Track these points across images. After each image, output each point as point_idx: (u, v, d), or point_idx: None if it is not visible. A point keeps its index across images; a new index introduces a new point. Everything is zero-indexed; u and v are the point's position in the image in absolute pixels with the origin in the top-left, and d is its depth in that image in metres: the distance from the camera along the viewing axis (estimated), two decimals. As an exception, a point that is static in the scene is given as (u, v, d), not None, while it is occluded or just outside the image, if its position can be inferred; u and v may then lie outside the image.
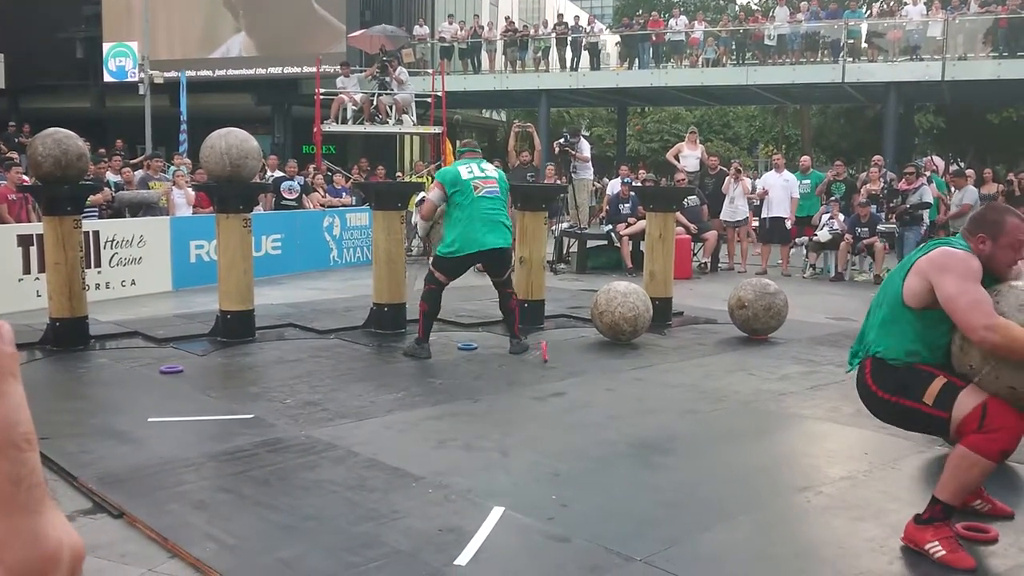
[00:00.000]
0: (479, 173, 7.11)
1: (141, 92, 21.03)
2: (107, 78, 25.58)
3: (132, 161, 14.94)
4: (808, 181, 14.12)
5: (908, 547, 3.58)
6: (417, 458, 4.59)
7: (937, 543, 3.46)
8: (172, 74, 21.42)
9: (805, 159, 15.24)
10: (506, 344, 7.38)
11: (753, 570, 3.47)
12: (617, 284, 7.79)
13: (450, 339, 7.76)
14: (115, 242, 10.04)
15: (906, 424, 3.73)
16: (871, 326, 3.73)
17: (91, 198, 9.23)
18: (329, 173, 15.72)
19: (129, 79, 24.17)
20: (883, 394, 3.62)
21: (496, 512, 3.84)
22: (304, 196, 13.76)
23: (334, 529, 3.69)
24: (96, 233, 9.79)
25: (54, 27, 26.39)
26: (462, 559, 3.41)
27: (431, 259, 7.34)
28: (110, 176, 12.36)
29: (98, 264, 9.79)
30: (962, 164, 24.39)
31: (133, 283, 10.16)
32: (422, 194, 13.48)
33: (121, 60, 25.11)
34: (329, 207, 13.97)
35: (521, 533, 3.76)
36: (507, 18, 29.05)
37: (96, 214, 10.90)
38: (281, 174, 14.06)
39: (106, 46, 25.75)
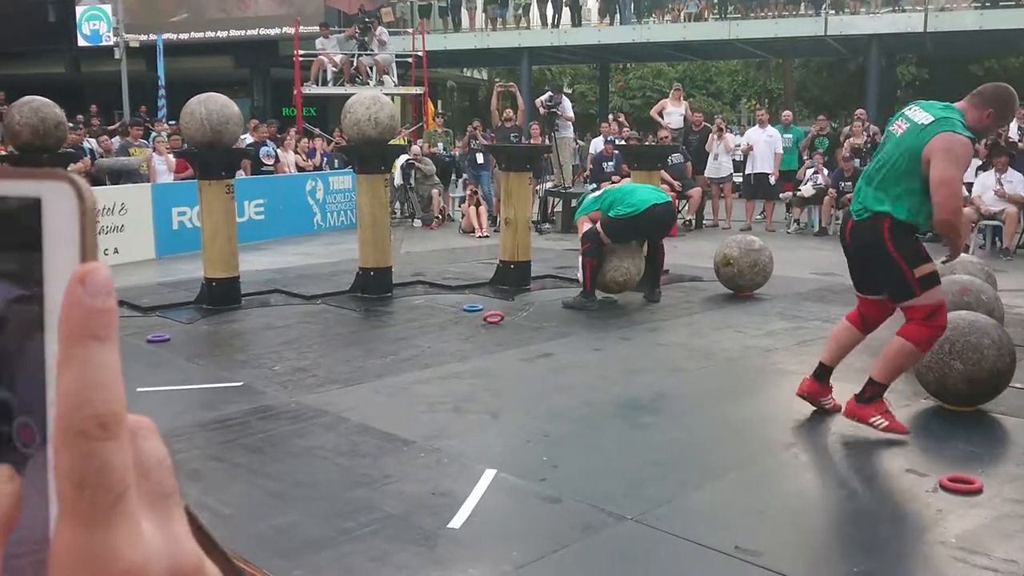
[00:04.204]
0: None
1: (117, 56, 20.69)
2: (81, 42, 25.13)
3: (110, 128, 14.75)
4: (790, 136, 14.09)
5: (896, 504, 3.64)
6: (407, 422, 4.60)
7: (879, 416, 4.29)
8: (148, 37, 21.09)
9: (787, 114, 15.19)
10: (494, 305, 7.38)
11: (744, 525, 3.51)
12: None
13: (436, 302, 7.76)
14: (97, 210, 9.93)
15: (884, 276, 4.35)
16: (881, 187, 4.26)
17: (71, 166, 9.13)
18: (310, 135, 15.58)
19: (104, 43, 23.75)
20: (893, 250, 4.22)
21: (488, 474, 3.87)
22: (279, 161, 13.65)
23: (327, 495, 3.71)
24: (76, 202, 9.68)
25: (25, -10, 25.87)
26: (455, 522, 3.44)
27: (600, 223, 7.46)
28: (87, 143, 12.21)
29: (80, 233, 9.69)
30: (944, 116, 24.35)
31: (116, 251, 10.09)
32: (404, 157, 13.42)
33: (95, 24, 24.65)
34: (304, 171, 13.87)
35: (513, 495, 3.79)
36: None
37: (76, 182, 10.78)
38: (252, 140, 13.87)
39: (79, 9, 25.28)
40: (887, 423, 4.27)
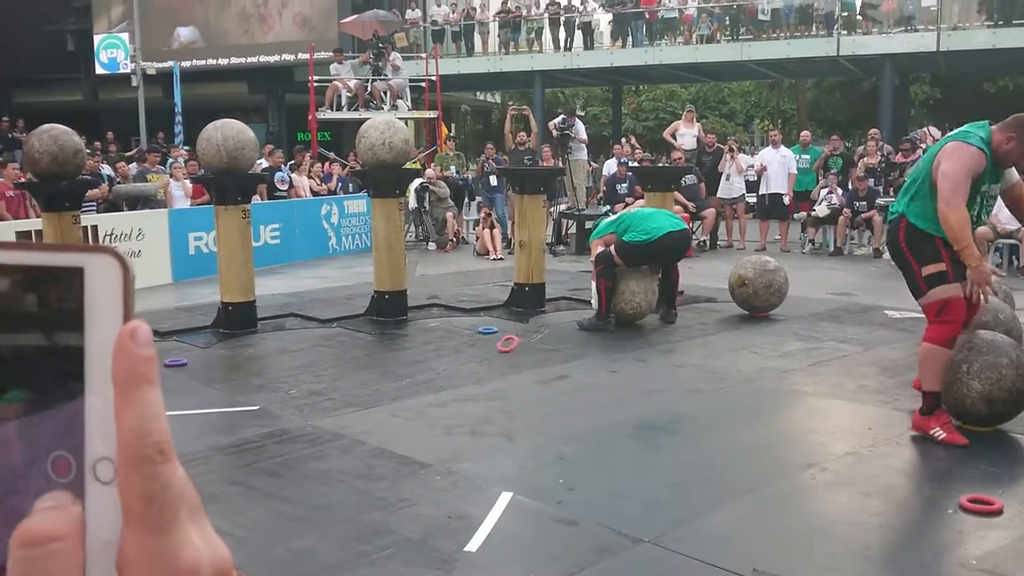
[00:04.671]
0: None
1: (134, 84, 20.93)
2: (99, 70, 25.45)
3: (126, 154, 14.90)
4: (808, 156, 14.09)
5: (915, 525, 3.61)
6: (424, 445, 4.61)
7: (939, 428, 4.48)
8: (165, 65, 21.33)
9: (805, 134, 15.20)
10: (509, 327, 7.39)
11: (761, 548, 3.49)
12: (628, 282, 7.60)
13: (451, 325, 7.77)
14: (114, 236, 10.03)
15: (903, 274, 4.69)
16: (905, 194, 4.64)
17: (89, 193, 9.23)
18: (324, 160, 15.67)
19: (121, 71, 24.04)
20: (905, 247, 4.57)
21: (504, 497, 3.86)
22: (293, 186, 13.75)
23: (344, 518, 3.72)
24: (95, 227, 9.78)
25: (43, 20, 26.24)
26: (472, 545, 3.43)
27: (614, 247, 7.48)
28: (105, 170, 12.34)
29: (97, 259, 9.78)
30: (959, 134, 24.30)
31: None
32: (419, 180, 13.49)
33: (112, 52, 24.97)
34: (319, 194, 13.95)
35: (530, 517, 3.78)
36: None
37: (94, 208, 10.89)
38: (267, 164, 13.98)
39: (97, 38, 25.62)
40: (945, 435, 4.48)
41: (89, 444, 0.42)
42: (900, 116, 24.00)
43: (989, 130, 4.45)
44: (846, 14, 21.76)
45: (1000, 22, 19.92)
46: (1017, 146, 4.40)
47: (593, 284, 7.59)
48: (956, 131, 4.63)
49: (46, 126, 7.18)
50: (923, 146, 13.20)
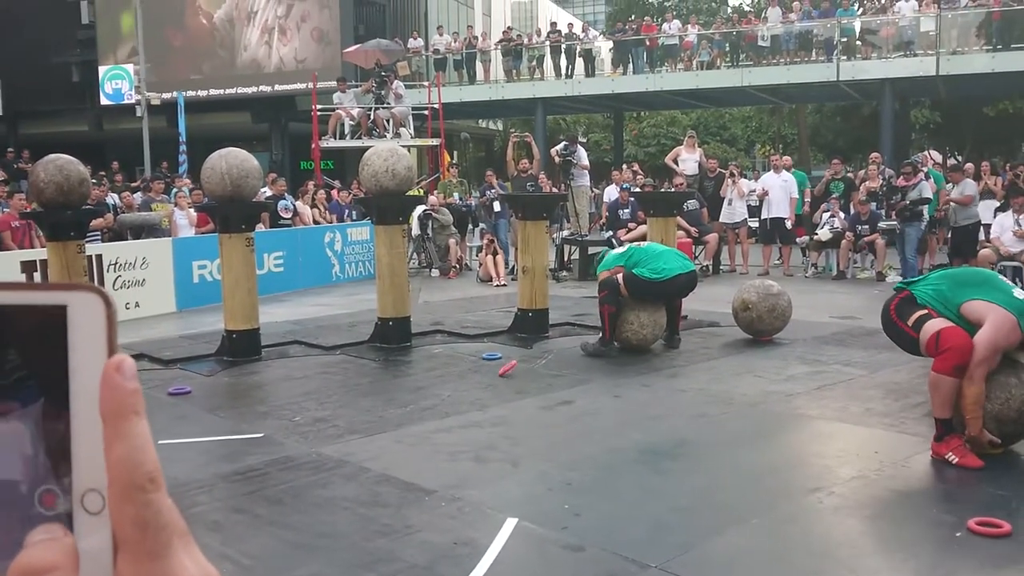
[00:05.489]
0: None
1: (138, 114, 21.10)
2: (104, 101, 25.65)
3: (132, 184, 14.98)
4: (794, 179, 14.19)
5: (922, 549, 3.60)
6: (428, 472, 4.60)
7: (951, 453, 4.56)
8: (171, 95, 21.49)
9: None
10: (513, 353, 7.39)
11: (767, 572, 3.47)
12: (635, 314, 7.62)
13: (455, 351, 7.77)
14: (118, 265, 10.07)
15: (897, 341, 4.99)
16: (932, 287, 4.84)
17: (94, 222, 9.27)
18: (328, 188, 15.74)
19: (126, 101, 24.23)
20: (894, 315, 4.88)
21: (509, 523, 3.85)
22: (297, 213, 13.80)
23: (349, 546, 3.70)
24: (99, 256, 9.82)
25: (49, 52, 26.48)
26: (478, 572, 3.42)
27: (621, 276, 7.48)
28: (110, 199, 12.41)
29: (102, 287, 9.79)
30: (959, 158, 24.39)
31: (137, 305, 10.19)
32: (422, 207, 13.54)
33: (117, 83, 25.19)
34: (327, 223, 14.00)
35: (535, 544, 3.77)
36: (508, 27, 29.16)
37: (99, 238, 10.94)
38: (271, 193, 14.01)
39: (101, 69, 25.84)
40: (958, 458, 4.54)
41: (76, 477, 0.44)
42: (901, 140, 24.09)
43: None
44: (845, 39, 21.91)
45: (999, 46, 20.05)
46: None
47: (599, 309, 7.59)
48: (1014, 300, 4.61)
49: (52, 156, 7.23)
50: (924, 169, 13.25)
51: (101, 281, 9.83)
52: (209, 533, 3.86)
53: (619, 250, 8.19)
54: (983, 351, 4.51)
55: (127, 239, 11.56)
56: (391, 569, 3.46)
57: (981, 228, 12.38)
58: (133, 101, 22.58)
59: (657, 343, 7.82)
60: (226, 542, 3.76)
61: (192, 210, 12.22)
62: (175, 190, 13.62)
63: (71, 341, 0.44)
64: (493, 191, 14.67)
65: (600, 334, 7.58)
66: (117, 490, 0.43)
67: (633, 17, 29.97)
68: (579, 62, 24.85)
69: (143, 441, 0.44)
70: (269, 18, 25.08)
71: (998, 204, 12.95)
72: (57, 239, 7.21)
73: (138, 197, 13.33)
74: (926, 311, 4.74)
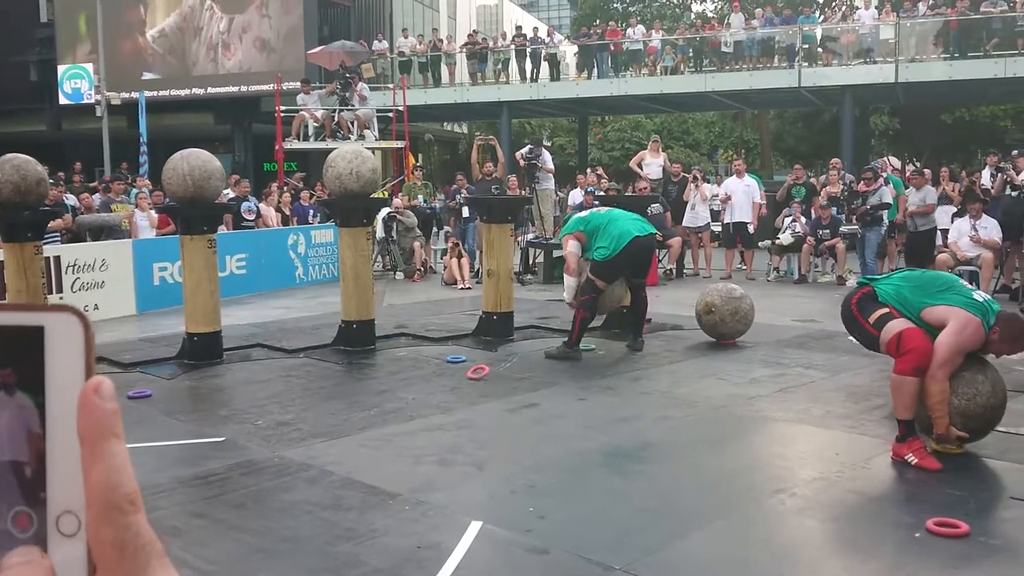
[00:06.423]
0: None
1: (98, 114, 20.79)
2: (63, 100, 25.26)
3: (90, 185, 14.75)
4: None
5: (883, 549, 3.64)
6: (392, 475, 4.57)
7: (911, 454, 4.63)
8: (131, 95, 21.21)
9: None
10: (478, 356, 7.38)
11: (731, 574, 3.49)
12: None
13: (420, 354, 7.74)
14: (77, 267, 9.90)
15: (855, 335, 5.09)
16: (895, 287, 4.92)
17: (52, 223, 9.12)
18: (295, 190, 15.61)
19: (85, 101, 23.87)
20: (855, 309, 4.96)
21: (474, 527, 3.84)
22: (260, 215, 13.67)
23: (312, 550, 3.67)
24: (57, 258, 9.65)
25: (7, 50, 26.05)
26: (442, 575, 3.40)
27: (588, 269, 7.60)
28: (68, 200, 12.20)
29: (60, 289, 9.64)
30: (918, 164, 24.81)
31: (96, 308, 10.02)
32: (386, 210, 13.47)
33: (77, 82, 24.81)
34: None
35: (500, 547, 3.76)
36: (473, 31, 29.14)
37: (57, 239, 10.76)
38: (233, 194, 13.87)
39: (61, 68, 25.45)
40: (917, 459, 4.61)
41: (51, 499, 0.43)
42: (861, 146, 24.44)
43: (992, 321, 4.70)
44: (807, 46, 22.21)
45: (956, 55, 20.40)
46: (998, 341, 4.69)
47: (574, 313, 7.60)
48: (987, 299, 4.78)
49: (8, 155, 7.10)
50: (883, 175, 13.44)
51: (60, 283, 9.67)
52: (169, 538, 3.80)
53: (581, 214, 8.27)
54: (945, 353, 4.59)
55: (86, 240, 11.38)
56: (355, 573, 3.43)
57: (938, 233, 12.58)
58: (93, 101, 22.26)
59: (620, 346, 7.85)
60: (186, 547, 3.71)
61: (153, 211, 12.06)
62: (135, 191, 13.43)
63: (48, 363, 0.43)
64: (462, 194, 14.63)
65: (567, 337, 7.59)
66: (96, 512, 0.43)
67: (598, 22, 30.15)
68: (544, 66, 24.92)
69: (122, 462, 0.43)
70: (213, 34, 24.87)
71: (955, 210, 13.16)
72: (14, 240, 7.08)
73: (97, 198, 13.13)
74: (887, 310, 4.81)
